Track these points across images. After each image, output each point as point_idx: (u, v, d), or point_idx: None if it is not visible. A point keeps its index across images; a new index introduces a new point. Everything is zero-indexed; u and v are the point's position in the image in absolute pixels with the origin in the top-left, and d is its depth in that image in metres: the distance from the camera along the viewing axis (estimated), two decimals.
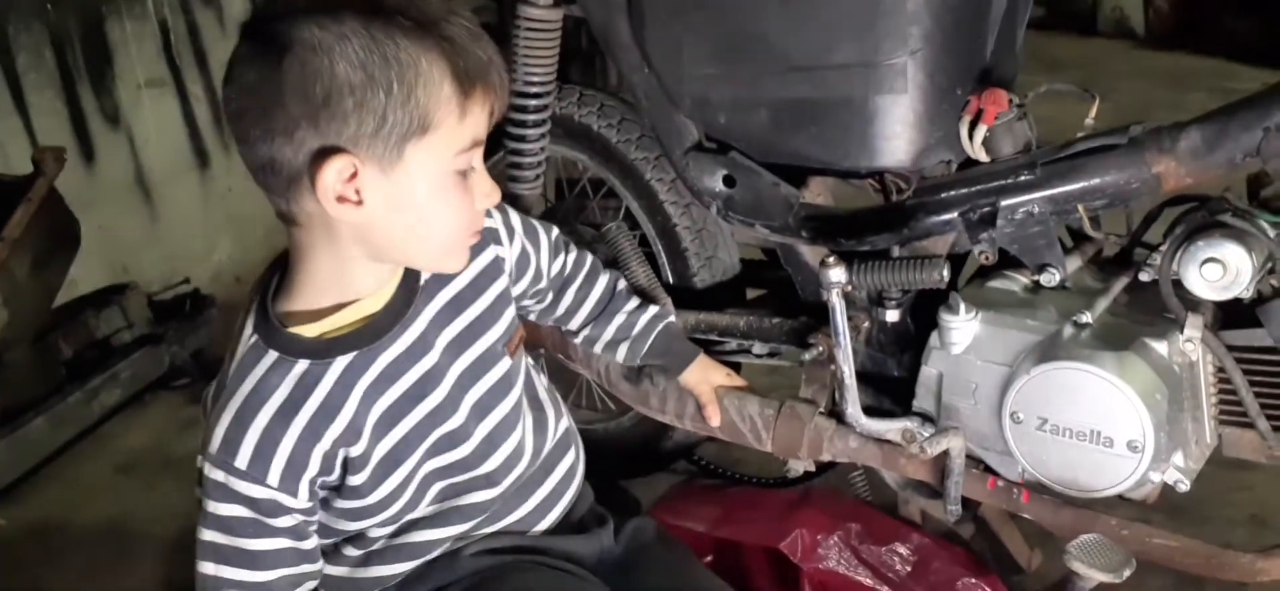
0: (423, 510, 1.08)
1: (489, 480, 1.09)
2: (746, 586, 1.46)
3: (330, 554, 1.10)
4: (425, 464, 1.05)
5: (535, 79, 1.52)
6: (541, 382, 1.20)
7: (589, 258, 1.34)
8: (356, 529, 1.07)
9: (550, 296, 1.29)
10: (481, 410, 1.07)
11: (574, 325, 1.34)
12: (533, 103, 1.54)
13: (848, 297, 1.31)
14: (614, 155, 1.61)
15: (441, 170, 0.92)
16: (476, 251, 1.08)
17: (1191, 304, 1.17)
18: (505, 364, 1.09)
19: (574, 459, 1.21)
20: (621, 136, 1.60)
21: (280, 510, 0.97)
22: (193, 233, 3.11)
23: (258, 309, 0.99)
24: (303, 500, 0.97)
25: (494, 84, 0.93)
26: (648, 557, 1.19)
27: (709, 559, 1.53)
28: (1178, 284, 1.15)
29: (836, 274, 1.21)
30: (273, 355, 0.96)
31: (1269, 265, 1.14)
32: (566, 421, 1.22)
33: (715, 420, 1.38)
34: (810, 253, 1.46)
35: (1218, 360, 1.17)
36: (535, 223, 1.23)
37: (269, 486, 0.95)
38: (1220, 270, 1.11)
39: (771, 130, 1.36)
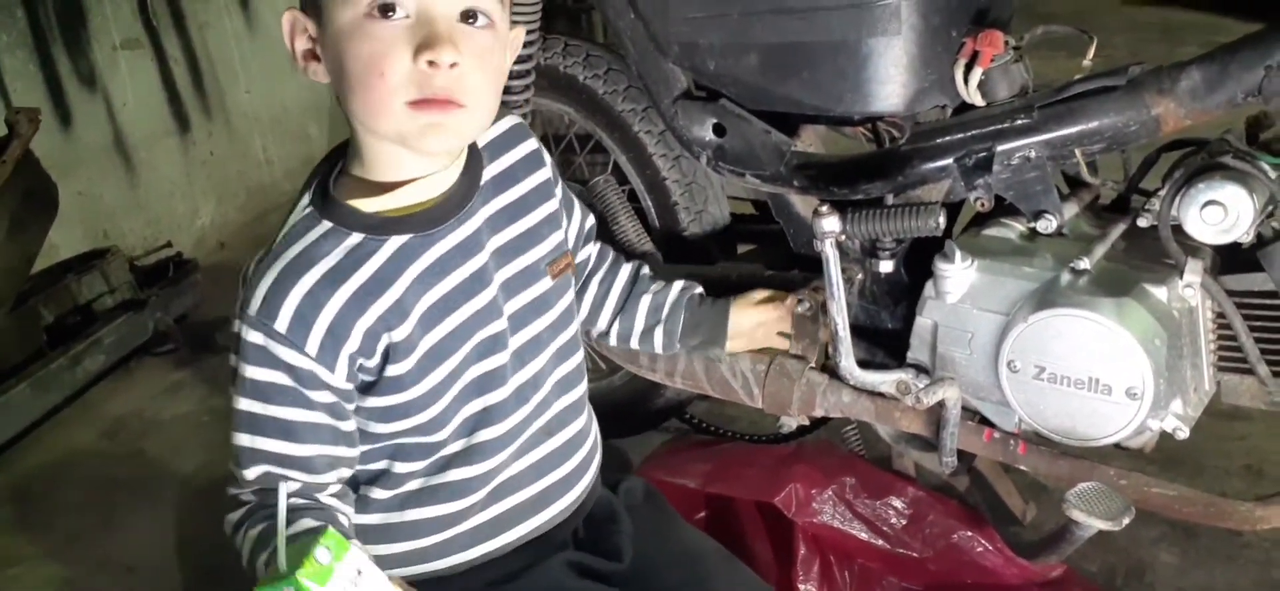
0: (452, 442, 1.04)
1: (517, 398, 1.05)
2: (740, 542, 1.45)
3: (360, 501, 1.07)
4: (466, 370, 1.01)
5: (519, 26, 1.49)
6: (575, 326, 1.15)
7: (611, 250, 1.30)
8: (388, 443, 1.03)
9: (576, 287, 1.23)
10: (518, 321, 1.05)
11: (603, 321, 1.29)
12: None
13: (841, 248, 1.29)
14: (600, 107, 1.58)
15: (351, 12, 0.90)
16: (531, 168, 1.08)
17: (1191, 249, 1.14)
18: (546, 283, 1.07)
19: (587, 426, 1.16)
20: (608, 87, 1.57)
21: (318, 382, 0.94)
22: (174, 197, 3.07)
23: (318, 181, 0.99)
24: (340, 377, 0.95)
25: None
26: (637, 519, 1.17)
27: (702, 515, 1.52)
28: (1177, 229, 1.12)
29: (830, 223, 1.19)
30: (326, 224, 0.95)
31: (1270, 208, 1.12)
32: (585, 385, 1.17)
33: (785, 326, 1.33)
34: (802, 203, 1.44)
35: (1217, 305, 1.15)
36: (573, 196, 1.20)
37: (308, 354, 0.93)
38: (1221, 213, 1.09)
39: (762, 76, 1.33)
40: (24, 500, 2.05)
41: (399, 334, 0.96)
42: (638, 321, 1.28)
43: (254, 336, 0.93)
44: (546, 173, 1.11)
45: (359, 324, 0.94)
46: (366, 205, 0.96)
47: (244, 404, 0.96)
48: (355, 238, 0.95)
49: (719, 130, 1.41)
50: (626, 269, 1.29)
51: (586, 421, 1.16)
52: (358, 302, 0.94)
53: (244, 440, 0.96)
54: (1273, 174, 1.11)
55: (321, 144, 3.51)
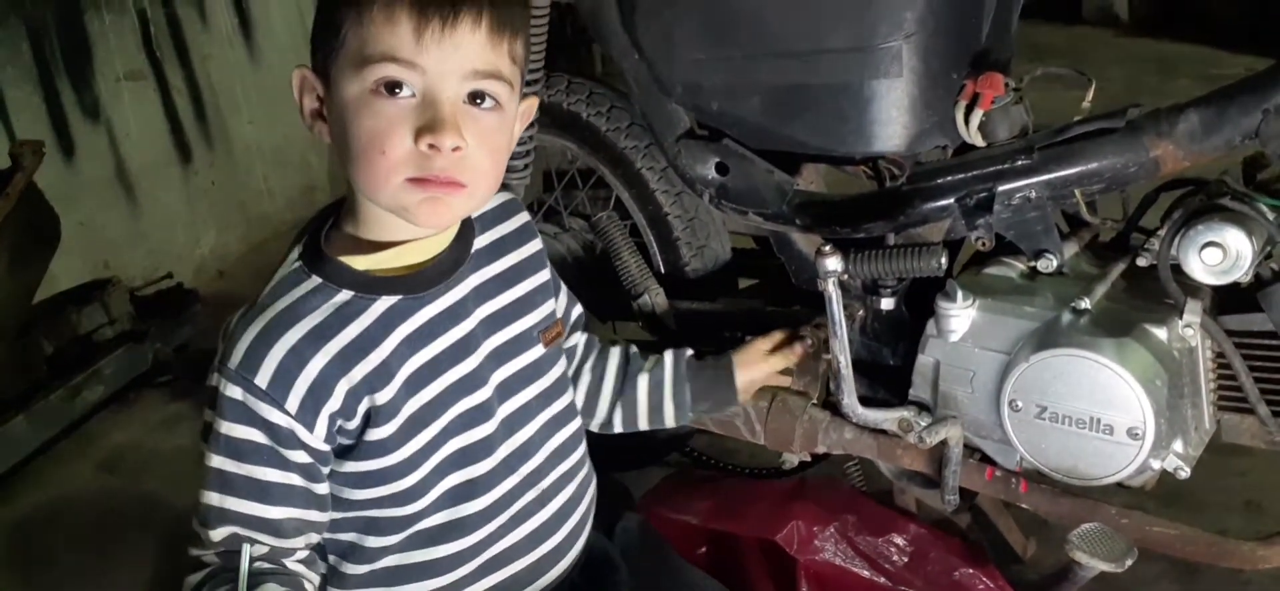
0: (430, 514, 1.01)
1: (504, 468, 1.03)
2: (741, 579, 1.45)
3: (334, 577, 1.03)
4: (448, 441, 0.99)
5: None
6: (570, 395, 1.13)
7: (598, 339, 1.26)
8: (360, 513, 1.00)
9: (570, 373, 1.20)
10: (507, 390, 1.03)
11: (603, 409, 1.24)
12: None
13: (843, 286, 1.29)
14: (604, 144, 1.59)
15: (355, 86, 0.89)
16: (521, 240, 1.07)
17: (1190, 289, 1.15)
18: (538, 350, 1.06)
19: (583, 487, 1.12)
20: (611, 124, 1.58)
21: (296, 442, 0.92)
22: (175, 227, 3.07)
23: (308, 235, 0.97)
24: (319, 437, 0.92)
25: None
26: (634, 564, 1.16)
27: (703, 551, 1.51)
28: (1177, 268, 1.13)
29: (832, 263, 1.19)
30: (315, 280, 0.94)
31: (1268, 249, 1.13)
32: (583, 450, 1.14)
33: (800, 351, 1.31)
34: (804, 241, 1.45)
35: (1217, 345, 1.16)
36: (561, 281, 1.18)
37: (288, 412, 0.90)
38: (1220, 254, 1.10)
39: (764, 116, 1.34)
40: (22, 533, 2.04)
41: (382, 396, 0.94)
42: (640, 402, 1.24)
43: (233, 391, 0.90)
44: (537, 245, 1.10)
45: (342, 383, 0.92)
46: (357, 262, 0.95)
47: (216, 461, 0.92)
48: (344, 295, 0.93)
49: (722, 169, 1.42)
50: (616, 352, 1.25)
51: (582, 483, 1.12)
52: (342, 362, 0.92)
53: (213, 499, 0.92)
54: (1271, 215, 1.12)
55: (322, 175, 3.53)
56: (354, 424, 0.94)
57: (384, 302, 0.94)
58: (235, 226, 3.28)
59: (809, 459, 1.41)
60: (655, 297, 1.51)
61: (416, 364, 0.96)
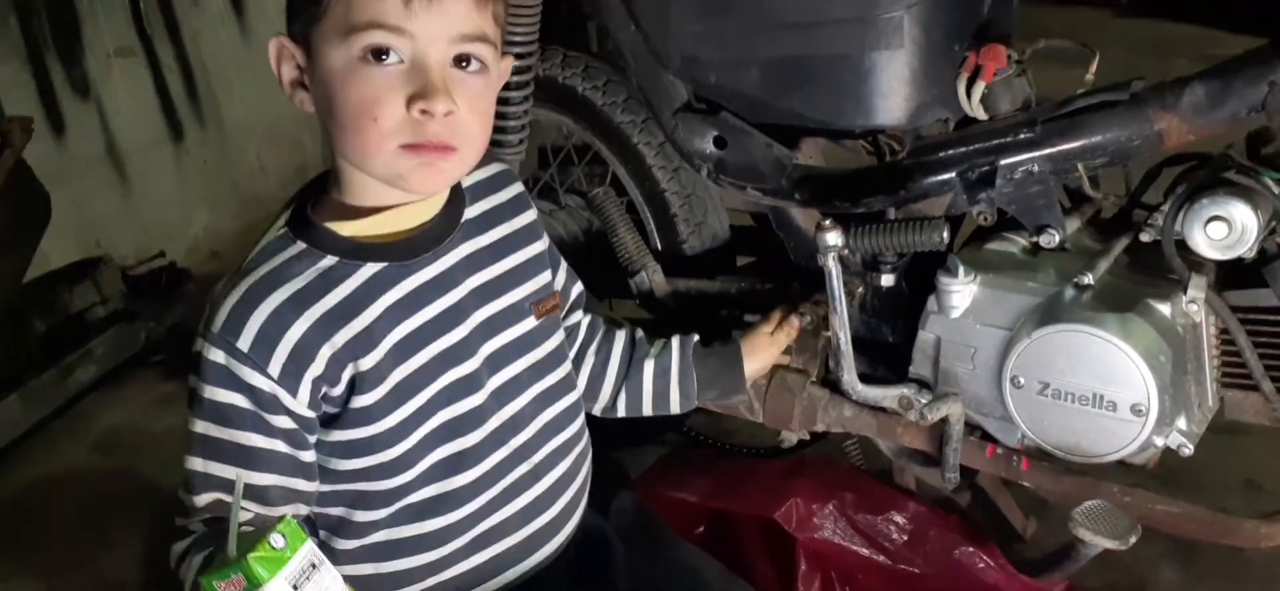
0: (419, 487, 1.00)
1: (493, 441, 1.02)
2: (740, 557, 1.44)
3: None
4: (437, 411, 0.98)
5: (517, 39, 1.47)
6: (565, 368, 1.11)
7: (603, 321, 1.25)
8: (348, 486, 0.98)
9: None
10: (498, 361, 1.02)
11: (607, 394, 1.22)
12: (514, 64, 1.50)
13: (842, 262, 1.28)
14: (600, 119, 1.57)
15: (341, 55, 0.88)
16: (515, 211, 1.06)
17: (1194, 264, 1.14)
18: (530, 322, 1.05)
19: (578, 463, 1.11)
20: (607, 99, 1.56)
21: (279, 407, 0.91)
22: (168, 206, 3.05)
23: (296, 202, 0.97)
24: (302, 403, 0.92)
25: None
26: (630, 542, 1.14)
27: (701, 530, 1.51)
28: (1181, 244, 1.12)
29: (832, 238, 1.18)
30: (300, 245, 0.93)
31: (1273, 223, 1.11)
32: (579, 424, 1.13)
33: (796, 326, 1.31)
34: (803, 216, 1.43)
35: (1221, 321, 1.14)
36: (561, 257, 1.17)
37: (269, 376, 0.90)
38: (1225, 228, 1.08)
39: (763, 89, 1.32)
40: (14, 514, 2.02)
41: (367, 362, 0.93)
42: (645, 388, 1.22)
43: (215, 355, 0.90)
44: (531, 216, 1.09)
45: (325, 348, 0.91)
46: (343, 228, 0.94)
47: (200, 426, 0.92)
48: (328, 260, 0.93)
49: (720, 143, 1.40)
50: (621, 336, 1.23)
51: (577, 459, 1.11)
52: (325, 326, 0.91)
53: (197, 465, 0.92)
54: (1276, 189, 1.11)
55: (315, 153, 3.50)
56: (339, 390, 0.94)
57: (370, 269, 0.94)
58: (228, 205, 3.25)
59: (808, 437, 1.40)
60: (652, 275, 1.50)
61: (403, 332, 0.95)
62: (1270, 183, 1.11)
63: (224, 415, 0.91)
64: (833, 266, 1.19)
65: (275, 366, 0.90)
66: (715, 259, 1.60)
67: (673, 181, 1.56)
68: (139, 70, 2.95)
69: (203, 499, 0.93)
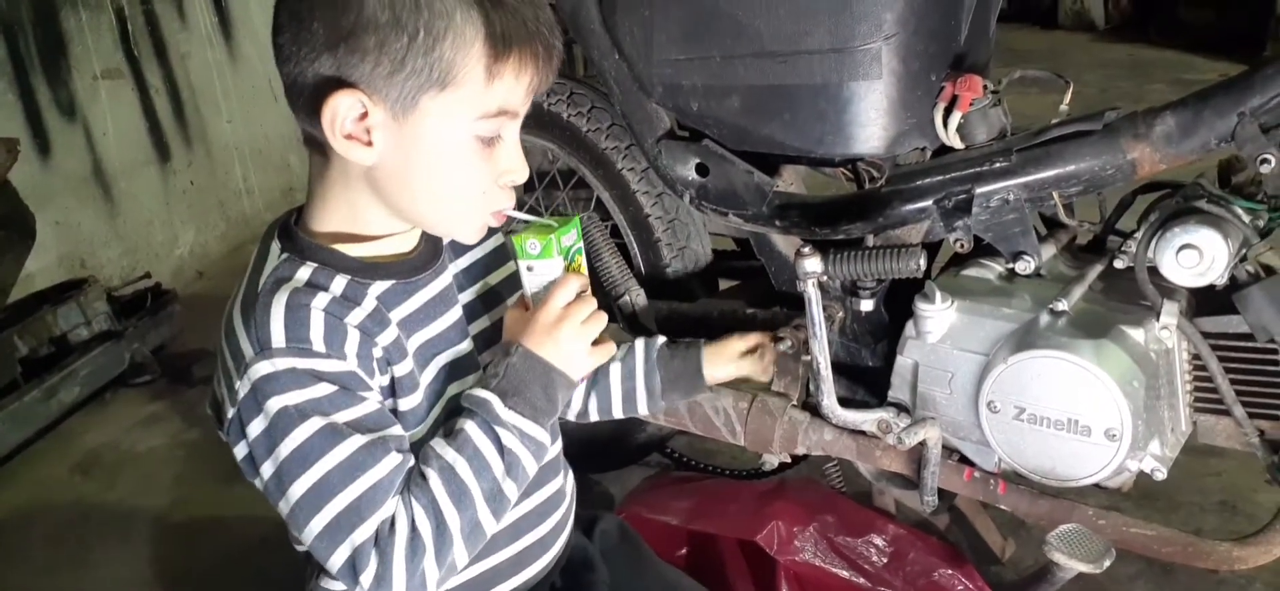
0: None
1: None
2: (722, 579, 1.45)
3: (309, 567, 1.03)
4: (443, 422, 0.99)
5: None
6: None
7: None
8: None
9: None
10: (486, 342, 1.04)
11: (578, 400, 1.22)
12: None
13: (822, 287, 1.30)
14: (584, 144, 1.59)
15: (458, 131, 0.88)
16: (491, 230, 1.06)
17: (1167, 291, 1.16)
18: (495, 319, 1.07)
19: (564, 483, 1.12)
20: (592, 125, 1.58)
21: (363, 384, 0.89)
22: (153, 226, 3.05)
23: (282, 233, 0.94)
24: (377, 385, 0.91)
25: (536, 55, 0.88)
26: (613, 564, 1.16)
27: (683, 552, 1.51)
28: (1153, 271, 1.14)
29: (811, 264, 1.20)
30: (311, 265, 0.91)
31: (1243, 251, 1.13)
32: (560, 444, 1.14)
33: (766, 376, 1.32)
34: (783, 242, 1.45)
35: (1193, 347, 1.16)
36: None
37: (347, 360, 0.87)
38: (1197, 256, 1.10)
39: (744, 117, 1.34)
40: None
41: (401, 369, 0.94)
42: (613, 390, 1.22)
43: (292, 363, 0.85)
44: (499, 238, 1.10)
45: (373, 349, 0.91)
46: (349, 250, 0.94)
47: (288, 445, 0.85)
48: (341, 278, 0.92)
49: (702, 170, 1.42)
50: None
51: (563, 479, 1.12)
52: (366, 331, 0.90)
53: (306, 485, 0.85)
54: (1246, 218, 1.13)
55: (301, 174, 3.48)
56: (387, 392, 0.94)
57: (379, 286, 0.94)
58: (214, 226, 3.26)
59: (789, 460, 1.41)
60: (636, 298, 1.51)
61: (421, 340, 0.97)
62: (1240, 211, 1.13)
63: (319, 406, 0.86)
64: (812, 292, 1.21)
65: (350, 352, 0.88)
66: (698, 282, 1.61)
67: (656, 206, 1.57)
68: (126, 91, 2.96)
69: (337, 554, 0.86)
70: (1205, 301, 1.19)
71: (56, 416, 2.31)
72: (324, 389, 0.86)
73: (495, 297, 1.06)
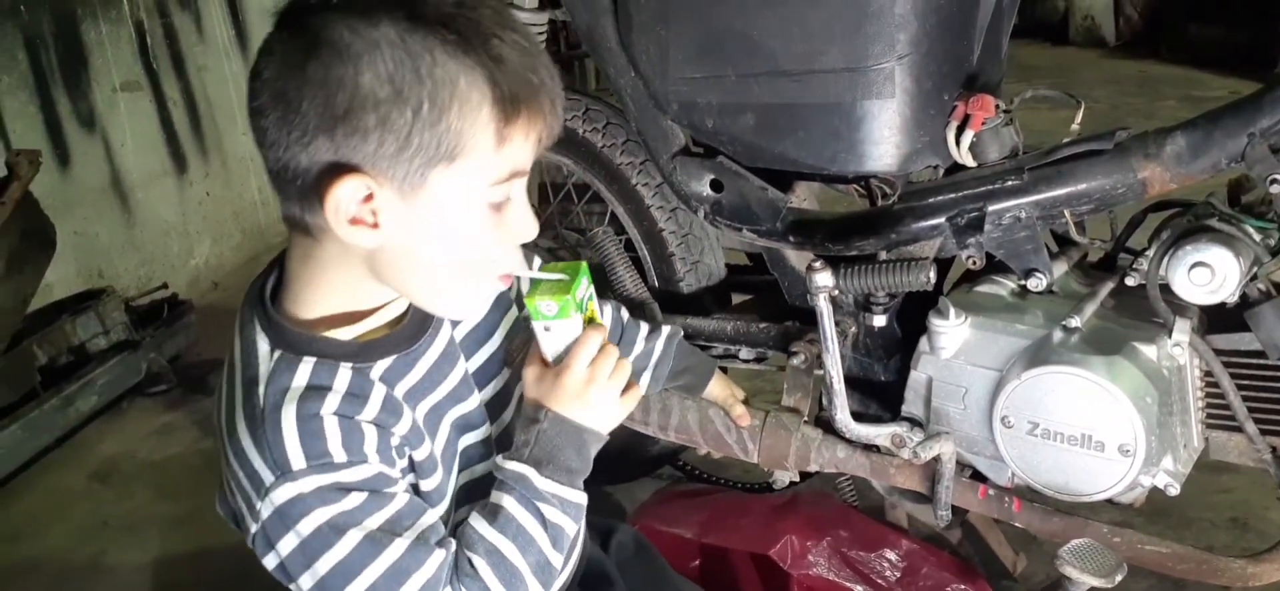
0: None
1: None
2: None
3: None
4: (459, 476, 0.98)
5: None
6: None
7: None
8: None
9: None
10: (494, 408, 1.02)
11: None
12: None
13: (834, 302, 1.31)
14: (599, 159, 1.60)
15: (470, 201, 0.82)
16: None
17: (1178, 308, 1.17)
18: (507, 371, 1.05)
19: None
20: (607, 141, 1.59)
21: (388, 481, 0.85)
22: (170, 237, 3.08)
23: (267, 326, 0.87)
24: (400, 475, 0.87)
25: (543, 110, 0.82)
26: (629, 576, 1.16)
27: (696, 564, 1.52)
28: (1165, 288, 1.15)
29: (823, 278, 1.21)
30: (308, 361, 0.85)
31: (1254, 269, 1.14)
32: None
33: (746, 421, 1.34)
34: (797, 257, 1.46)
35: (1205, 364, 1.17)
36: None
37: (370, 462, 0.84)
38: (1208, 274, 1.11)
39: (759, 134, 1.36)
40: (14, 542, 2.03)
41: (421, 453, 0.91)
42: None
43: (317, 480, 0.81)
44: None
45: (390, 442, 0.87)
46: (342, 334, 0.88)
47: (327, 561, 0.82)
48: (344, 370, 0.86)
49: (716, 186, 1.43)
50: (607, 310, 1.18)
51: None
52: (382, 425, 0.87)
53: (364, 581, 0.82)
54: (1257, 236, 1.14)
55: None
56: (408, 467, 0.91)
57: (381, 366, 0.89)
58: (230, 237, 3.28)
59: (798, 478, 1.42)
60: (650, 312, 1.52)
61: (424, 409, 0.93)
62: (1251, 230, 1.14)
63: (352, 517, 0.83)
64: (824, 306, 1.22)
65: (371, 452, 0.85)
66: (711, 297, 1.63)
67: (670, 221, 1.59)
68: (144, 103, 2.99)
69: None
70: (1217, 319, 1.20)
71: (74, 425, 2.33)
72: (354, 499, 0.83)
73: (486, 329, 1.02)
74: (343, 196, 0.79)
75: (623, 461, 1.80)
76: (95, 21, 2.83)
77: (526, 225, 0.87)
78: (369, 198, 0.80)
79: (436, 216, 0.82)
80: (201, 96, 3.18)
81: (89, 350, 2.43)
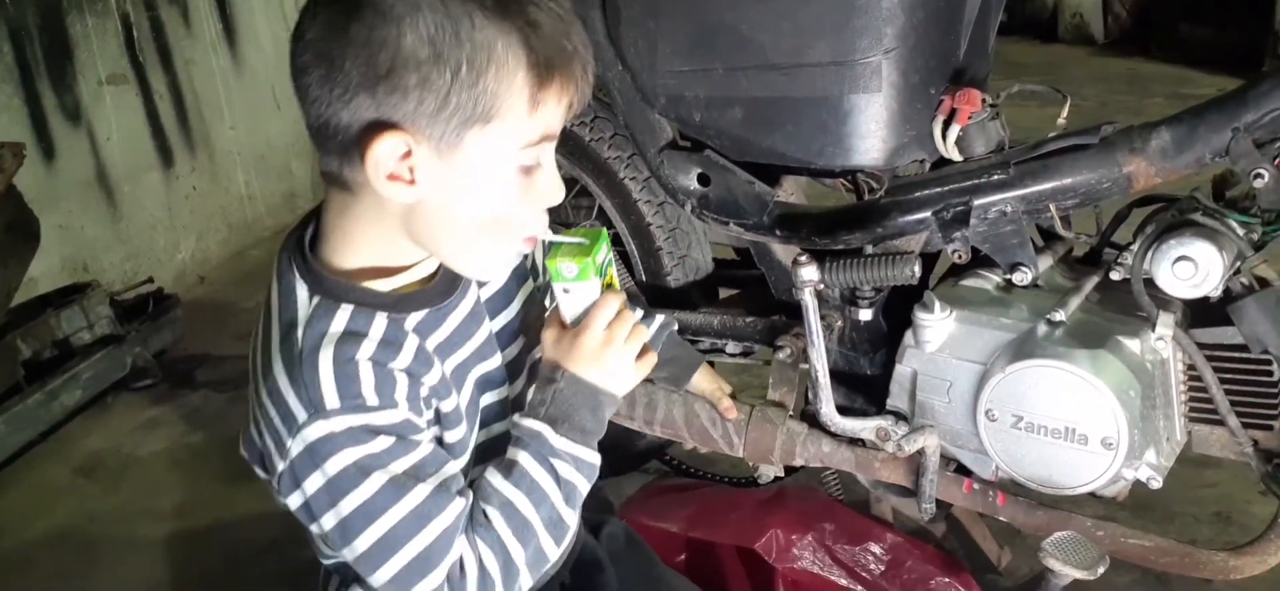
0: None
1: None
2: (720, 587, 1.46)
3: (328, 568, 1.03)
4: (479, 432, 1.00)
5: None
6: None
7: None
8: None
9: None
10: (510, 373, 1.03)
11: None
12: None
13: (820, 296, 1.31)
14: (587, 153, 1.60)
15: (503, 162, 0.85)
16: None
17: (1162, 302, 1.18)
18: (522, 340, 1.06)
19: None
20: (594, 134, 1.59)
21: (415, 428, 0.88)
22: (156, 231, 3.06)
23: (306, 273, 0.90)
24: (427, 422, 0.90)
25: (575, 76, 0.85)
26: (620, 566, 1.17)
27: (682, 558, 1.52)
28: (1149, 282, 1.16)
29: (808, 272, 1.21)
30: (346, 308, 0.88)
31: (1238, 264, 1.15)
32: None
33: (733, 415, 1.35)
34: (783, 251, 1.46)
35: (1188, 357, 1.18)
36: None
37: (399, 408, 0.87)
38: (1192, 268, 1.12)
39: (746, 128, 1.36)
40: None
41: (448, 405, 0.93)
42: None
43: (349, 420, 0.84)
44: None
45: (420, 390, 0.90)
46: (380, 285, 0.91)
47: (350, 502, 0.85)
48: (381, 318, 0.89)
49: (703, 180, 1.44)
50: None
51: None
52: (413, 374, 0.89)
53: (373, 537, 0.85)
54: (1240, 231, 1.14)
55: (304, 180, 3.52)
56: (433, 419, 0.93)
57: (415, 317, 0.92)
58: (216, 231, 3.27)
59: (783, 473, 1.42)
60: (637, 306, 1.52)
61: (454, 363, 0.96)
62: (1234, 224, 1.14)
63: (379, 460, 0.86)
64: (809, 300, 1.22)
65: (401, 399, 0.87)
66: (699, 290, 1.63)
67: (658, 215, 1.59)
68: (130, 97, 2.97)
69: (414, 546, 0.87)
70: (1200, 313, 1.20)
71: (58, 419, 2.31)
72: (382, 442, 0.86)
73: (507, 293, 1.04)
74: (382, 153, 0.82)
75: (609, 455, 1.79)
76: (81, 13, 2.81)
77: (554, 188, 0.89)
78: (407, 155, 0.83)
79: (470, 176, 0.85)
80: (188, 90, 3.16)
81: (73, 344, 2.41)
